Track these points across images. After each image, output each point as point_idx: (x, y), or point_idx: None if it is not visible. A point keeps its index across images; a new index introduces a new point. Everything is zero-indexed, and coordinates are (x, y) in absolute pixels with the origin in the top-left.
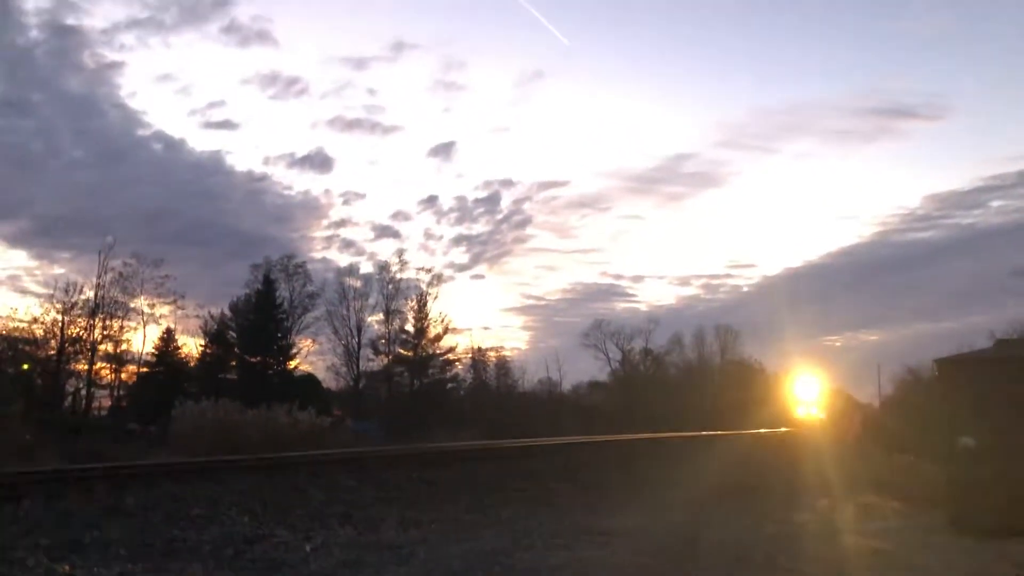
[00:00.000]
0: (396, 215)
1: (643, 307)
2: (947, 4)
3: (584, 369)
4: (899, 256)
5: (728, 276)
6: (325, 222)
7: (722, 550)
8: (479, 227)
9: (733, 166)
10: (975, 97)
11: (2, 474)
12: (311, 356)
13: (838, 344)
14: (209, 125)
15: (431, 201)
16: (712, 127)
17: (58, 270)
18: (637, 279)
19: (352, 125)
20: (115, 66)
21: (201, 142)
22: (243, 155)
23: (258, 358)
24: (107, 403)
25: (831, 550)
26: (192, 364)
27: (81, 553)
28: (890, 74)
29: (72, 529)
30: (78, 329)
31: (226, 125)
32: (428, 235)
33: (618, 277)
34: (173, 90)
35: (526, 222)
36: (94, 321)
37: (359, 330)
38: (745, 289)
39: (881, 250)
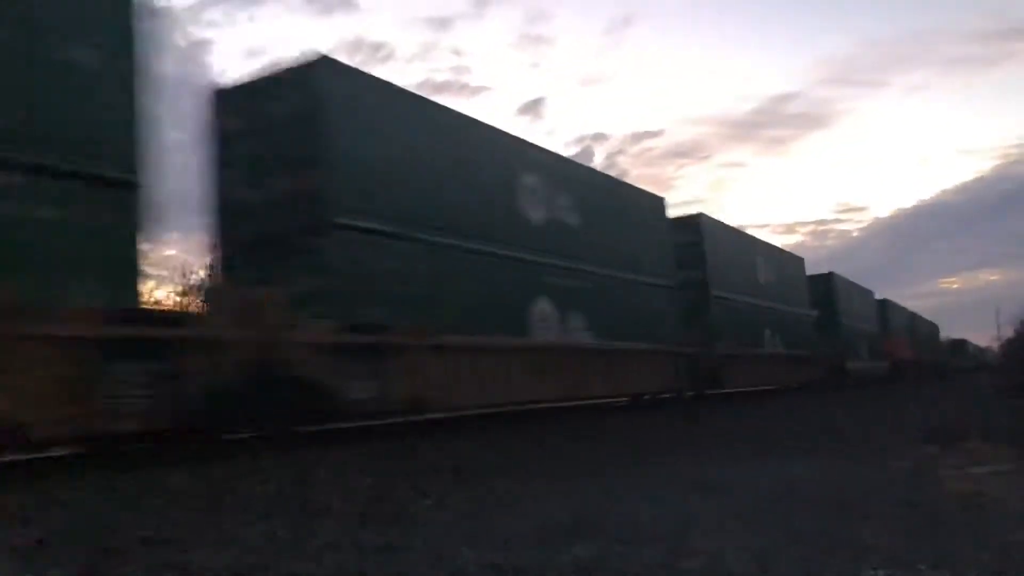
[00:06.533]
0: None
1: None
2: None
3: None
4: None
5: (836, 221)
6: None
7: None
8: None
9: (840, 104)
10: None
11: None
12: None
13: (956, 286)
14: None
15: None
16: (816, 64)
17: (168, 252)
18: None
19: (440, 88)
20: (204, 44)
21: None
22: None
23: None
24: None
25: (925, 494)
26: None
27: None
28: None
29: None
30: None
31: None
32: None
33: None
34: (262, 64)
35: (621, 176)
36: None
37: None
38: (855, 234)
39: (1003, 184)
